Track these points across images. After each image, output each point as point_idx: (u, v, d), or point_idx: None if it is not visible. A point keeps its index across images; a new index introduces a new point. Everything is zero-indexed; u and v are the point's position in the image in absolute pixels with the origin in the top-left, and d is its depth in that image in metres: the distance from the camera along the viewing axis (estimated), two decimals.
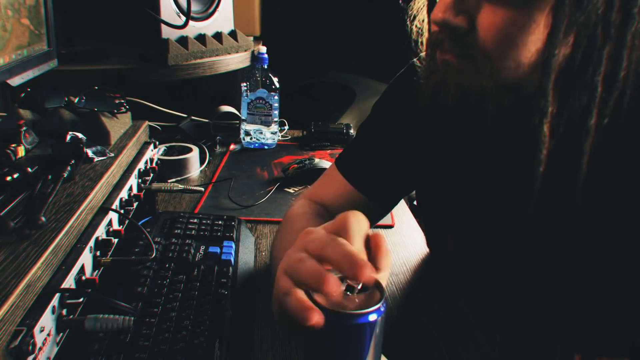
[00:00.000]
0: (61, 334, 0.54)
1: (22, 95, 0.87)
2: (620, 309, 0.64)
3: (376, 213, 0.83)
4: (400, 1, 0.72)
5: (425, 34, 0.66)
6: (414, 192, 0.88)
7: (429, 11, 0.63)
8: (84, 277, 0.59)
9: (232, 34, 1.42)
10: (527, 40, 0.52)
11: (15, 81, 0.77)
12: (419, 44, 0.72)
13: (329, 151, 1.39)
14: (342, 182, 0.80)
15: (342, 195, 0.79)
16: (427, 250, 0.91)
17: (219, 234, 0.84)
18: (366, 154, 0.80)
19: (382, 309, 0.42)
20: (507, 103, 0.59)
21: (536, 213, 0.62)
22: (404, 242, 0.94)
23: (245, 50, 1.46)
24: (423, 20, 0.69)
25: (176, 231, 0.83)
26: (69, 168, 0.68)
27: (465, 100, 0.61)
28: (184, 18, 1.21)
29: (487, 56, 0.54)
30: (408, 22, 0.71)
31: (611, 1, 0.49)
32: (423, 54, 0.71)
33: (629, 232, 0.59)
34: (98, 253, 0.64)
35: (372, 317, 0.41)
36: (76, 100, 0.87)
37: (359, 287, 0.44)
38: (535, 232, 0.65)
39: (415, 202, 1.57)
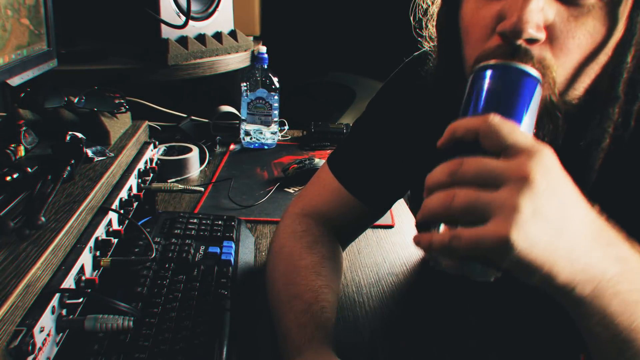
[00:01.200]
0: (61, 334, 0.54)
1: (22, 95, 0.87)
2: None
3: (370, 216, 0.79)
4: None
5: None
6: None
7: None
8: (83, 277, 0.59)
9: (232, 34, 1.42)
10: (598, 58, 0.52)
11: (15, 81, 0.77)
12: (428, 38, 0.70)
13: (329, 151, 1.38)
14: (336, 186, 0.76)
15: (336, 200, 0.76)
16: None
17: (219, 234, 0.84)
18: (359, 156, 0.76)
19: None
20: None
21: None
22: (404, 242, 0.94)
23: (245, 50, 1.46)
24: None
25: (176, 231, 0.83)
26: (68, 168, 0.68)
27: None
28: (183, 18, 1.21)
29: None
30: (429, 24, 0.69)
31: None
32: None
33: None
34: (98, 253, 0.64)
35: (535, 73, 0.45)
36: (76, 100, 0.87)
37: None
38: None
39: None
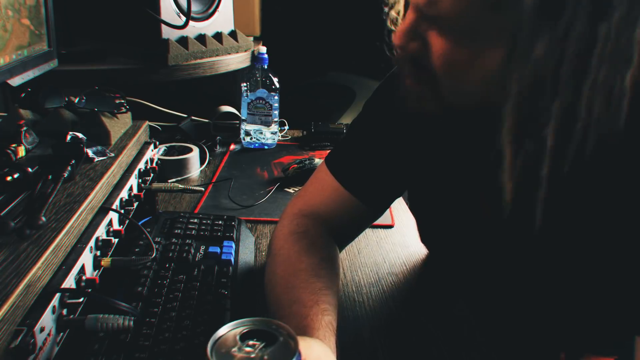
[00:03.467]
0: (61, 334, 0.54)
1: (23, 95, 0.87)
2: (610, 310, 0.64)
3: (369, 215, 0.79)
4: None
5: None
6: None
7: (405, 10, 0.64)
8: (84, 277, 0.59)
9: (232, 34, 1.42)
10: (474, 72, 0.53)
11: (15, 81, 0.77)
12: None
13: (329, 151, 1.38)
14: (334, 185, 0.76)
15: (335, 199, 0.75)
16: (425, 248, 0.91)
17: (219, 234, 0.84)
18: (358, 156, 0.76)
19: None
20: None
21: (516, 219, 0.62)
22: (404, 242, 0.94)
23: (245, 50, 1.46)
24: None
25: (176, 231, 0.83)
26: (69, 168, 0.68)
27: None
28: (184, 18, 1.21)
29: (435, 81, 0.55)
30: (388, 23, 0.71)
31: (562, 54, 0.45)
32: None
33: (616, 239, 0.58)
34: (98, 253, 0.64)
35: None
36: (76, 100, 0.87)
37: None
38: (521, 235, 0.64)
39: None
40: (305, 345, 0.50)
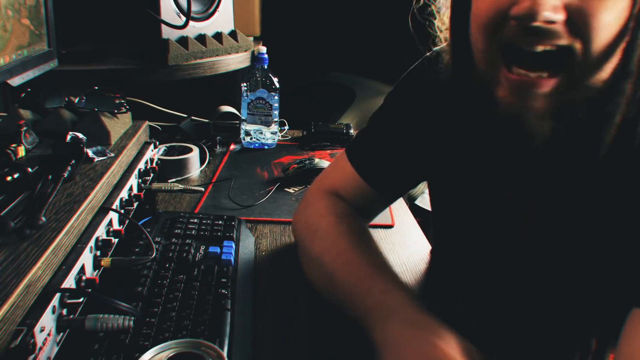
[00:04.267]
0: (61, 333, 0.54)
1: (23, 95, 0.87)
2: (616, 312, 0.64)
3: (381, 203, 0.84)
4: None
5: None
6: (412, 191, 0.88)
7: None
8: (84, 277, 0.59)
9: (232, 34, 1.42)
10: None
11: (15, 81, 0.77)
12: (438, 40, 0.72)
13: (329, 151, 1.39)
14: (352, 173, 0.79)
15: (352, 185, 0.80)
16: (430, 247, 0.91)
17: (219, 234, 0.84)
18: (375, 147, 0.79)
19: None
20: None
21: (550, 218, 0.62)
22: (404, 242, 0.94)
23: (245, 50, 1.46)
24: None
25: (176, 231, 0.83)
26: (69, 168, 0.68)
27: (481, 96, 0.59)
28: (184, 18, 1.21)
29: (587, 59, 0.50)
30: (435, 19, 0.70)
31: None
32: (443, 46, 0.71)
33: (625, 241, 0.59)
34: (98, 253, 0.64)
35: None
36: (76, 100, 0.88)
37: None
38: (544, 236, 0.65)
39: (415, 202, 1.58)
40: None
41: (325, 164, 1.18)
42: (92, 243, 0.62)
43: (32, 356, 0.47)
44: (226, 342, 0.60)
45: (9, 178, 0.63)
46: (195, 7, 1.28)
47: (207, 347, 0.44)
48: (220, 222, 0.87)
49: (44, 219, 0.57)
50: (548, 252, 0.66)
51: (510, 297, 0.73)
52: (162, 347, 0.44)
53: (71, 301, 0.55)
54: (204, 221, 0.87)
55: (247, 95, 1.32)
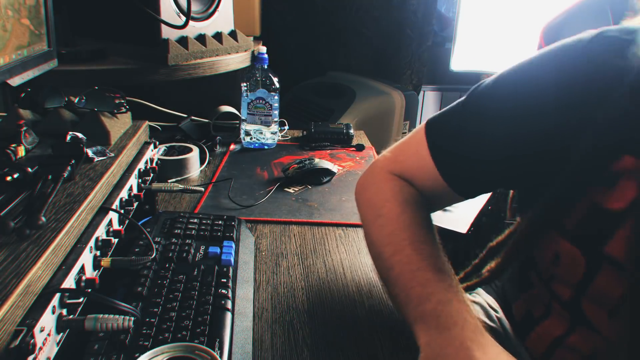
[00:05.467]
0: (61, 334, 0.54)
1: (22, 95, 0.87)
2: None
3: (455, 200, 0.72)
4: None
5: None
6: None
7: None
8: (84, 277, 0.59)
9: (232, 34, 1.42)
10: None
11: (15, 81, 0.77)
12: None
13: (329, 151, 1.39)
14: (431, 167, 0.68)
15: (427, 177, 0.69)
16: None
17: (219, 234, 0.84)
18: (462, 147, 0.66)
19: None
20: None
21: None
22: None
23: (245, 50, 1.46)
24: None
25: (176, 231, 0.83)
26: (69, 168, 0.68)
27: None
28: (184, 18, 1.21)
29: None
30: None
31: None
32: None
33: None
34: (98, 253, 0.64)
35: None
36: (76, 100, 0.87)
37: None
38: None
39: None
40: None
41: (325, 164, 1.18)
42: (92, 243, 0.62)
43: (32, 356, 0.47)
44: (226, 342, 0.60)
45: (9, 178, 0.63)
46: (195, 7, 1.28)
47: (202, 350, 0.44)
48: (220, 222, 0.87)
49: (43, 219, 0.57)
50: None
51: None
52: (155, 352, 0.44)
53: (71, 301, 0.55)
54: (204, 221, 0.87)
55: (247, 95, 1.32)
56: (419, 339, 0.56)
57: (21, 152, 0.73)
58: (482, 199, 1.60)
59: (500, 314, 0.80)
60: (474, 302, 0.83)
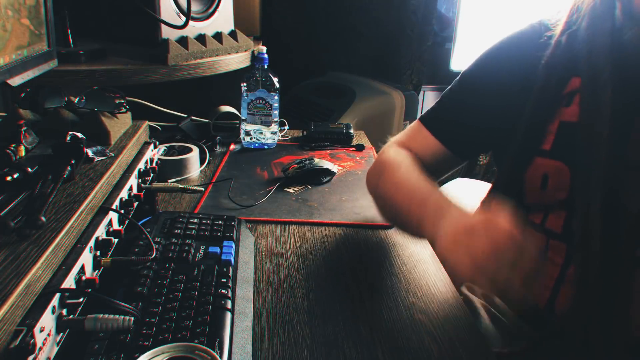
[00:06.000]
0: (61, 334, 0.54)
1: (22, 95, 0.87)
2: None
3: (456, 162, 0.92)
4: None
5: None
6: None
7: None
8: (84, 277, 0.59)
9: (232, 34, 1.42)
10: None
11: (15, 81, 0.77)
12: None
13: (328, 151, 1.39)
14: (427, 134, 0.88)
15: (428, 145, 0.88)
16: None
17: (219, 234, 0.84)
18: (452, 115, 0.87)
19: None
20: None
21: None
22: (404, 242, 0.94)
23: (245, 50, 1.46)
24: None
25: (176, 231, 0.83)
26: (69, 168, 0.68)
27: None
28: (184, 18, 1.21)
29: None
30: None
31: None
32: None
33: None
34: (98, 253, 0.64)
35: None
36: (76, 100, 0.87)
37: None
38: None
39: None
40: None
41: (325, 164, 1.18)
42: (92, 243, 0.62)
43: (32, 356, 0.47)
44: (226, 342, 0.60)
45: (9, 178, 0.63)
46: (195, 7, 1.28)
47: (202, 350, 0.44)
48: (220, 222, 0.87)
49: (43, 219, 0.57)
50: None
51: None
52: (155, 352, 0.44)
53: (71, 301, 0.55)
54: (204, 221, 0.87)
55: (247, 95, 1.32)
56: (426, 232, 0.73)
57: (21, 152, 0.72)
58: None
59: None
60: None
